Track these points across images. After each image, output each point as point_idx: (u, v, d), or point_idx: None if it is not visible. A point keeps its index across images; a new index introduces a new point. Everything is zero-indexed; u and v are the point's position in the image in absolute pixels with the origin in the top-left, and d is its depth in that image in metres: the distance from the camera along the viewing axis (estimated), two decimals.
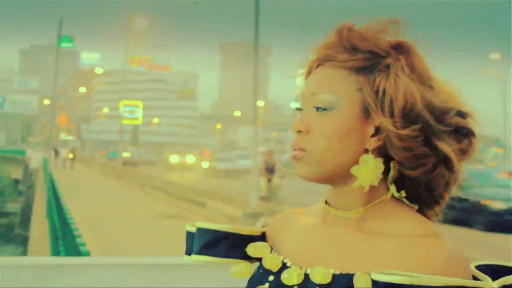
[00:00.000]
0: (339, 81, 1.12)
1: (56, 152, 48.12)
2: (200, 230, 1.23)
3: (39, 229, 15.85)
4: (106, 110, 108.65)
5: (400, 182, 1.14)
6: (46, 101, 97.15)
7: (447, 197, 1.16)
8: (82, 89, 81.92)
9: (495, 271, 1.09)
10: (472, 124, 1.13)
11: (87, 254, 6.18)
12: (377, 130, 1.10)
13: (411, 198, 1.15)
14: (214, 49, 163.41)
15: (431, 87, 1.11)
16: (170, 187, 28.20)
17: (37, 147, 76.93)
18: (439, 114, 1.09)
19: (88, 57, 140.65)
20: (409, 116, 1.08)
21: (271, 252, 1.20)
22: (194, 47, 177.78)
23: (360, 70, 1.12)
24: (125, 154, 52.81)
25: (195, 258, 1.23)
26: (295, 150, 1.14)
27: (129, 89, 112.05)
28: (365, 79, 1.11)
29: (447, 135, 1.10)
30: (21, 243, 26.40)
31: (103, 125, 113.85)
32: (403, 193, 1.13)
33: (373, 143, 1.10)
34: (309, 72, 1.18)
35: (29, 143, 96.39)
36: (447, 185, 1.13)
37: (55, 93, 46.55)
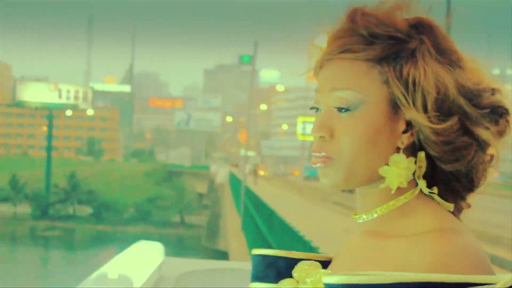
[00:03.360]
0: (360, 75, 1.00)
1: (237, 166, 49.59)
2: (253, 257, 1.15)
3: (236, 240, 16.35)
4: (285, 126, 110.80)
5: (429, 176, 1.02)
6: (229, 118, 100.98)
7: (483, 183, 1.04)
8: (263, 107, 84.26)
9: None
10: (503, 100, 1.02)
11: (316, 250, 6.33)
12: (408, 125, 1.00)
13: (442, 193, 1.03)
14: None
15: (461, 68, 1.01)
16: (353, 203, 27.97)
17: (220, 162, 79.93)
18: (474, 97, 0.99)
19: (267, 75, 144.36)
20: (443, 107, 0.98)
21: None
22: None
23: (383, 60, 1.00)
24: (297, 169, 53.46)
25: (251, 285, 1.14)
26: (319, 157, 1.02)
27: (307, 105, 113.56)
28: (390, 70, 0.99)
29: (483, 118, 0.99)
30: (209, 255, 27.41)
31: (283, 141, 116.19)
32: (435, 190, 1.02)
33: (405, 140, 1.00)
34: (320, 67, 1.06)
35: (212, 159, 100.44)
36: (484, 171, 1.02)
37: (237, 110, 48.17)
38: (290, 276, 1.10)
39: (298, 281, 1.09)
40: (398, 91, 0.99)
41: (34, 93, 78.60)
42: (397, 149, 1.00)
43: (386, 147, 1.00)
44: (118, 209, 63.49)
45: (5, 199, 63.09)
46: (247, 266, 4.55)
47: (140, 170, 76.67)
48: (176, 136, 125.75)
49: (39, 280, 37.48)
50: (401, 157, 0.99)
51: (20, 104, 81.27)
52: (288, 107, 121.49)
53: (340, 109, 1.00)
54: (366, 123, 0.99)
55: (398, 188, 1.00)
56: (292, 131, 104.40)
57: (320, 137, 1.01)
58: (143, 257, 3.91)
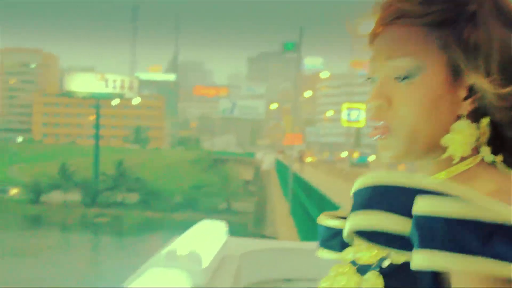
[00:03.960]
0: (418, 41, 0.95)
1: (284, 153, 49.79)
2: (319, 226, 1.14)
3: (284, 226, 16.55)
4: (330, 113, 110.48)
5: (492, 144, 0.97)
6: (273, 106, 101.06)
7: None
8: (308, 93, 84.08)
9: None
10: None
11: None
12: (470, 91, 0.95)
13: (505, 161, 0.97)
14: None
15: None
16: None
17: (265, 149, 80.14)
18: None
19: (311, 62, 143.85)
20: (507, 70, 0.93)
21: None
22: None
23: (441, 25, 0.95)
24: (343, 155, 53.22)
25: (319, 253, 1.12)
26: (378, 128, 0.98)
27: (352, 92, 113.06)
28: (449, 35, 0.94)
29: None
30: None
31: (327, 128, 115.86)
32: (499, 158, 0.97)
33: (467, 107, 0.95)
34: (375, 35, 1.01)
35: (257, 146, 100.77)
36: None
37: (281, 97, 48.31)
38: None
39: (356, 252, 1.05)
40: (458, 56, 0.94)
41: (82, 83, 79.96)
42: (458, 117, 0.96)
43: (446, 115, 0.95)
44: (165, 196, 64.28)
45: (55, 187, 64.44)
46: (306, 246, 4.72)
47: (186, 157, 77.45)
48: (221, 124, 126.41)
49: (90, 266, 38.31)
50: (464, 124, 0.95)
51: (68, 94, 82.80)
52: (332, 93, 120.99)
53: (398, 78, 0.96)
54: (425, 90, 0.94)
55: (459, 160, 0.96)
56: (336, 117, 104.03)
57: (378, 106, 0.97)
58: (209, 235, 4.09)
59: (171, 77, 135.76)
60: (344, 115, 67.52)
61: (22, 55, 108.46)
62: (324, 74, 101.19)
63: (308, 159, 46.53)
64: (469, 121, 0.95)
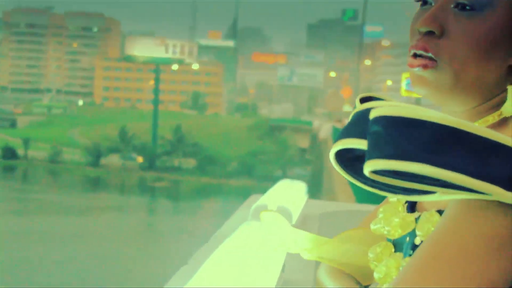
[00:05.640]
0: None
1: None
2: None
3: (343, 194, 16.42)
4: (389, 82, 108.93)
5: None
6: (332, 74, 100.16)
7: None
8: (368, 62, 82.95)
9: None
10: None
11: None
12: None
13: None
14: None
15: None
16: None
17: (323, 117, 79.69)
18: None
19: (372, 29, 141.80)
20: None
21: None
22: None
23: None
24: None
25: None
26: (421, 58, 0.88)
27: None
28: None
29: None
30: None
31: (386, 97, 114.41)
32: None
33: None
34: None
35: (314, 114, 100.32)
36: None
37: (340, 65, 47.69)
38: None
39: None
40: None
41: (142, 48, 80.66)
42: (510, 67, 0.87)
43: (499, 62, 0.87)
44: (221, 162, 64.76)
45: (115, 150, 65.56)
46: None
47: (243, 124, 77.66)
48: (279, 91, 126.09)
49: (147, 228, 38.98)
50: None
51: (128, 59, 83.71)
52: (392, 63, 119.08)
53: (462, 6, 0.86)
54: (488, 27, 0.85)
55: (493, 106, 0.90)
56: (396, 87, 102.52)
57: (428, 32, 0.88)
58: (292, 194, 4.13)
59: (230, 43, 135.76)
60: (403, 85, 66.42)
61: (85, 19, 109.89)
62: (385, 42, 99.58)
63: None
64: None
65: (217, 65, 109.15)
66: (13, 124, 79.97)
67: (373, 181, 0.78)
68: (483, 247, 0.70)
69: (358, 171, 0.83)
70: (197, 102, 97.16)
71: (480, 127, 0.70)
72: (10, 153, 66.52)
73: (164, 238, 33.84)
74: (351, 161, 0.85)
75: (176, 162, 65.55)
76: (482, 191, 0.68)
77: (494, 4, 0.84)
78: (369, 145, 0.74)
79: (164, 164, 64.64)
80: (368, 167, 0.72)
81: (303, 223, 3.80)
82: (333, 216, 4.17)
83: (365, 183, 0.85)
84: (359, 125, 0.79)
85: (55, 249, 29.68)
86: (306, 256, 1.11)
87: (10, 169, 62.47)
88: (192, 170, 63.88)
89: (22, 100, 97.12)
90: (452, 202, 0.75)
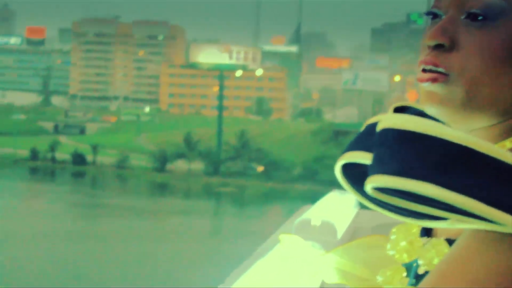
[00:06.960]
0: None
1: None
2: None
3: None
4: None
5: None
6: (397, 78, 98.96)
7: None
8: None
9: None
10: None
11: None
12: None
13: None
14: None
15: None
16: None
17: None
18: None
19: None
20: None
21: None
22: None
23: None
24: None
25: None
26: (431, 71, 0.82)
27: None
28: None
29: None
30: None
31: None
32: None
33: None
34: None
35: None
36: None
37: (405, 69, 47.17)
38: None
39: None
40: None
41: (207, 55, 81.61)
42: None
43: None
44: (286, 167, 64.78)
45: (180, 156, 66.41)
46: None
47: (307, 129, 77.54)
48: (343, 95, 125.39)
49: (212, 233, 39.35)
50: None
51: (193, 65, 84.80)
52: None
53: (473, 16, 0.80)
54: (503, 39, 0.78)
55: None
56: None
57: (438, 45, 0.81)
58: (340, 207, 4.04)
59: (294, 48, 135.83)
60: None
61: (151, 28, 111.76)
62: None
63: None
64: None
65: (280, 70, 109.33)
66: (82, 131, 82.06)
67: (381, 200, 0.73)
68: (493, 284, 0.64)
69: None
70: (261, 107, 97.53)
71: (497, 149, 0.65)
72: (80, 159, 68.19)
73: (229, 239, 34.19)
74: (360, 176, 0.80)
75: (241, 167, 65.94)
76: (496, 220, 0.63)
77: (507, 13, 0.78)
78: (373, 159, 0.70)
79: (229, 169, 65.10)
80: (370, 183, 0.68)
81: (353, 236, 3.78)
82: (387, 228, 4.07)
83: (373, 202, 0.79)
84: (368, 138, 0.75)
85: (131, 248, 31.48)
86: (328, 280, 1.04)
87: (80, 175, 64.09)
88: (257, 175, 64.13)
89: (90, 108, 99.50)
90: (464, 232, 0.69)
